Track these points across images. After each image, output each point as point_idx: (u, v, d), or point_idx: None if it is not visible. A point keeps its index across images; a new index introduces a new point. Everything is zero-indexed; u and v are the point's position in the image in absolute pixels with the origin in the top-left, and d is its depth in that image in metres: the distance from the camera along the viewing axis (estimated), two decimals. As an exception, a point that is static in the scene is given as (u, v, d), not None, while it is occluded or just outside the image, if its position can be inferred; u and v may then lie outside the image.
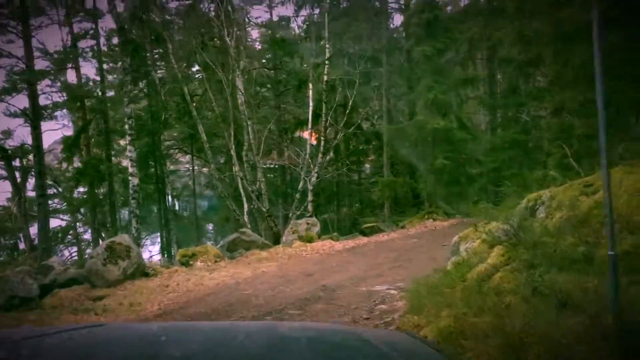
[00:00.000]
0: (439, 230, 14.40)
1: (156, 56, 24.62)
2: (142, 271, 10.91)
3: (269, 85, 28.13)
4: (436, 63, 16.88)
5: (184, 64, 21.55)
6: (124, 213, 26.58)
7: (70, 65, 20.80)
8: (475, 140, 17.27)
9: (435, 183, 17.08)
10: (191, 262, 11.63)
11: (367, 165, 30.48)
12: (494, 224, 7.65)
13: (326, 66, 16.69)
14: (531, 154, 21.82)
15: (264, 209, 16.56)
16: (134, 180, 15.14)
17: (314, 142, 19.61)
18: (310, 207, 16.76)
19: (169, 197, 27.68)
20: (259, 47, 29.12)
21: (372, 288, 8.81)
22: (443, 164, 16.32)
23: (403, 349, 1.76)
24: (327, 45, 17.20)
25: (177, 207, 30.45)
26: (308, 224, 14.07)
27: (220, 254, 12.25)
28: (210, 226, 30.33)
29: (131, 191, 15.21)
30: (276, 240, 15.10)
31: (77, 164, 20.63)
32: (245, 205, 17.50)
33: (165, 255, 22.75)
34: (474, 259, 6.28)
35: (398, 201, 22.45)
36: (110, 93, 23.47)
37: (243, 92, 16.61)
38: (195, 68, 22.71)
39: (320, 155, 17.14)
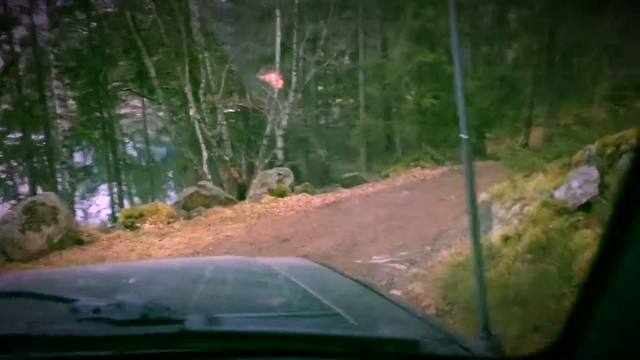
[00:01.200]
0: (431, 181, 12.52)
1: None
2: (74, 238, 8.68)
3: (228, 20, 25.34)
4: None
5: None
6: (75, 160, 23.91)
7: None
8: (466, 77, 15.18)
9: (420, 125, 15.08)
10: (137, 225, 9.43)
11: (335, 109, 28.34)
12: (541, 178, 5.71)
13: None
14: (520, 93, 20.14)
15: (226, 157, 14.28)
16: (64, 124, 12.51)
17: (279, 85, 17.15)
18: (280, 155, 14.52)
19: (122, 144, 25.00)
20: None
21: (370, 260, 6.86)
22: (431, 103, 14.25)
23: (305, 274, 1.79)
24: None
25: (132, 155, 27.83)
26: (279, 174, 11.92)
27: (174, 214, 10.06)
28: (171, 174, 27.80)
29: (61, 137, 12.58)
30: (241, 194, 12.92)
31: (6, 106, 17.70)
32: (205, 153, 15.18)
33: (116, 209, 20.42)
34: (538, 232, 4.33)
35: (370, 147, 20.51)
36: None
37: (198, 16, 13.97)
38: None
39: (292, 94, 14.75)
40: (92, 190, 22.86)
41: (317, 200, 11.09)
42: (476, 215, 2.51)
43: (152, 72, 15.21)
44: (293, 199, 11.13)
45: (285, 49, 16.30)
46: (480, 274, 2.23)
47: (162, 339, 1.08)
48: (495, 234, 4.83)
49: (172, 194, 26.04)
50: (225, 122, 15.09)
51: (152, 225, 9.43)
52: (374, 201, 10.69)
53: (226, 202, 11.01)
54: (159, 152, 26.95)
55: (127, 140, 24.90)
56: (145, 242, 8.47)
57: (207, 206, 10.73)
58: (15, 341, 1.09)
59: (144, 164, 25.23)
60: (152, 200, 21.97)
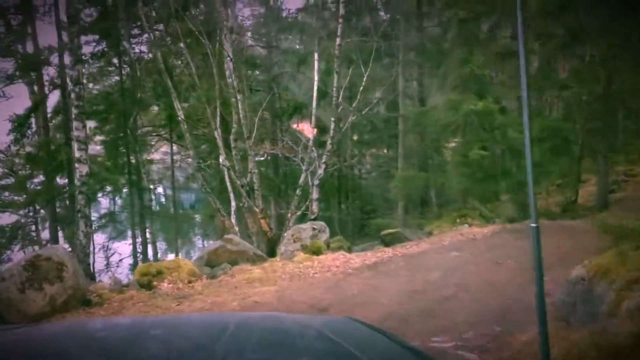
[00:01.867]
0: (481, 240, 11.18)
1: (135, 31, 21.25)
2: (82, 298, 7.60)
3: (262, 68, 24.82)
4: (473, 30, 13.61)
5: (167, 38, 17.91)
6: (102, 205, 23.22)
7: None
8: (515, 127, 14.01)
9: (466, 178, 13.87)
10: (154, 284, 8.33)
11: (368, 158, 27.36)
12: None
13: (340, 25, 13.15)
14: (569, 146, 18.86)
15: (256, 208, 13.23)
16: (82, 169, 11.58)
17: (312, 134, 16.20)
18: (315, 207, 13.39)
19: (149, 191, 24.28)
20: (251, 23, 25.61)
21: (430, 342, 5.61)
22: (480, 155, 13.07)
23: (350, 335, 1.76)
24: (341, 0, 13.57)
25: (160, 202, 27.15)
26: (314, 229, 10.76)
27: (196, 272, 8.94)
28: (198, 223, 26.90)
29: (78, 183, 11.65)
30: (271, 250, 11.79)
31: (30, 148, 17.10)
32: (233, 203, 14.18)
33: (139, 258, 19.48)
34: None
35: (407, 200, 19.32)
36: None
37: (232, 57, 13.18)
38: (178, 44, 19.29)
39: (329, 141, 13.70)
40: (116, 238, 22.07)
41: (356, 260, 9.86)
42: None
43: (180, 113, 14.43)
44: (329, 257, 9.93)
45: (322, 95, 15.43)
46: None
47: None
48: (619, 331, 3.57)
49: (199, 242, 25.14)
50: (256, 170, 14.11)
51: (171, 285, 8.32)
52: (421, 263, 9.42)
53: (255, 260, 9.86)
54: (187, 199, 26.19)
55: (153, 187, 24.21)
56: (161, 307, 7.34)
57: (234, 263, 9.61)
58: None
59: (171, 211, 24.43)
60: (177, 250, 21.09)
